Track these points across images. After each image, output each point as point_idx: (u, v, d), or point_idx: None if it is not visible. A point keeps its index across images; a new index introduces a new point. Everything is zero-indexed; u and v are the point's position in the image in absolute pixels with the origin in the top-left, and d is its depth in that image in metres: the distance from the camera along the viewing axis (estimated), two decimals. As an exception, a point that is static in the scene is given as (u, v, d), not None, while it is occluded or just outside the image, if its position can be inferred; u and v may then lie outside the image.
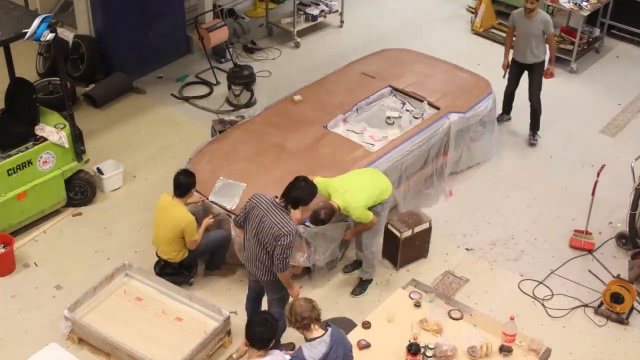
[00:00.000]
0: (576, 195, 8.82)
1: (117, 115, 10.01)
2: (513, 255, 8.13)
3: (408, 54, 10.01)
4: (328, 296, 7.57)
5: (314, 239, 7.33)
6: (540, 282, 7.77)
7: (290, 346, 6.81)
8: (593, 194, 7.99)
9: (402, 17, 12.61)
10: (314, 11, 12.02)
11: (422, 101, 8.90)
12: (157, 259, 7.52)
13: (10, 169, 7.79)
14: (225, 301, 7.38)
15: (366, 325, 6.27)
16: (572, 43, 11.25)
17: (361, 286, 7.69)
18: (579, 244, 8.17)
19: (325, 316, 7.29)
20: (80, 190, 8.47)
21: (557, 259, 8.07)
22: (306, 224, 7.26)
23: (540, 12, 9.31)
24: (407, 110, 8.88)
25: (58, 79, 8.68)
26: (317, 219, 6.85)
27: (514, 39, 9.50)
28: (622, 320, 7.37)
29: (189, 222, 7.10)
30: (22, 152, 7.86)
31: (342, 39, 12.09)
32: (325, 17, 12.18)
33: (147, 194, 8.65)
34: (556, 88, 10.94)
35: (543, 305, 7.51)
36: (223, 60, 11.21)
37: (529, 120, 9.73)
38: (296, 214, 6.42)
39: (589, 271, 7.91)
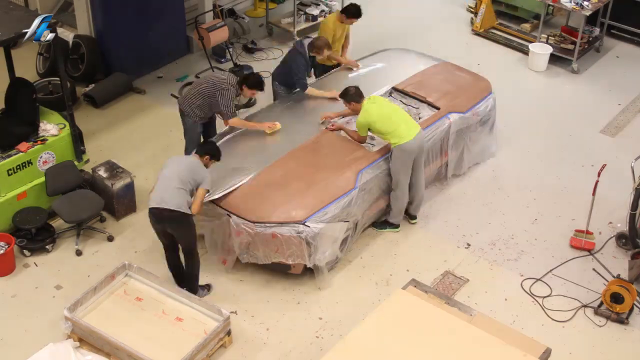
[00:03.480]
0: (576, 195, 8.82)
1: (117, 115, 10.00)
2: (513, 255, 8.12)
3: (408, 54, 10.00)
4: (328, 296, 7.56)
5: (314, 239, 7.33)
6: (539, 279, 7.77)
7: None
8: (593, 194, 7.98)
9: (402, 17, 12.59)
10: (314, 11, 12.01)
11: (422, 101, 8.90)
12: None
13: (10, 169, 7.79)
14: (225, 301, 7.37)
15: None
16: (573, 43, 11.25)
17: (383, 225, 8.31)
18: (580, 244, 8.16)
19: (324, 316, 7.32)
20: (81, 190, 8.47)
21: (557, 259, 8.06)
22: (306, 223, 7.27)
23: None
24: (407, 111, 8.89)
25: (58, 79, 8.68)
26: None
27: None
28: (622, 320, 7.37)
29: None
30: (22, 152, 7.86)
31: (342, 39, 12.07)
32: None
33: (147, 193, 8.63)
34: (556, 88, 10.95)
35: (543, 308, 7.50)
36: (223, 60, 11.20)
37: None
38: None
39: (594, 269, 7.90)
